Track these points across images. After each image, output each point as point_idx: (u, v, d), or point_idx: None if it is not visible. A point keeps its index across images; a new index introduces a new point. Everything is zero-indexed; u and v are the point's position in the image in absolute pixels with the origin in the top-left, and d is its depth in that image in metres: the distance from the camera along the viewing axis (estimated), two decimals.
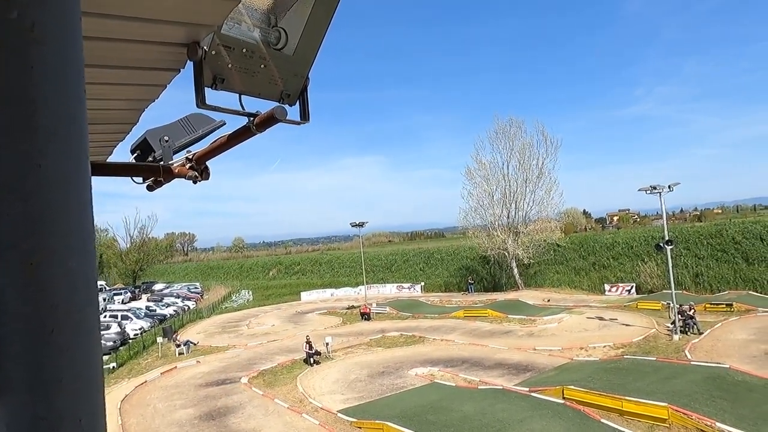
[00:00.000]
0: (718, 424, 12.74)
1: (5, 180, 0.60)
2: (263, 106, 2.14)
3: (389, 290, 51.56)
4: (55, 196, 0.62)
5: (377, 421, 14.95)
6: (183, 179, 2.73)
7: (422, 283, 51.03)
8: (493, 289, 46.11)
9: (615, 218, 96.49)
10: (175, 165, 2.73)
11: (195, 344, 30.45)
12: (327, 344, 25.16)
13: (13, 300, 0.59)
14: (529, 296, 39.40)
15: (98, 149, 3.25)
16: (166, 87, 2.23)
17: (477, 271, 49.17)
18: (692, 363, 18.54)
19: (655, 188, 25.24)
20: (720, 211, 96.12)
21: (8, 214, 0.60)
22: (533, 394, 16.16)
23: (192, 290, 62.57)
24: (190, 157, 2.70)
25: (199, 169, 2.67)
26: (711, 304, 28.87)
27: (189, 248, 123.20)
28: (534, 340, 25.42)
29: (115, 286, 67.43)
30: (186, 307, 49.71)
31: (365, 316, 36.32)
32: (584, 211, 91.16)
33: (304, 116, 2.19)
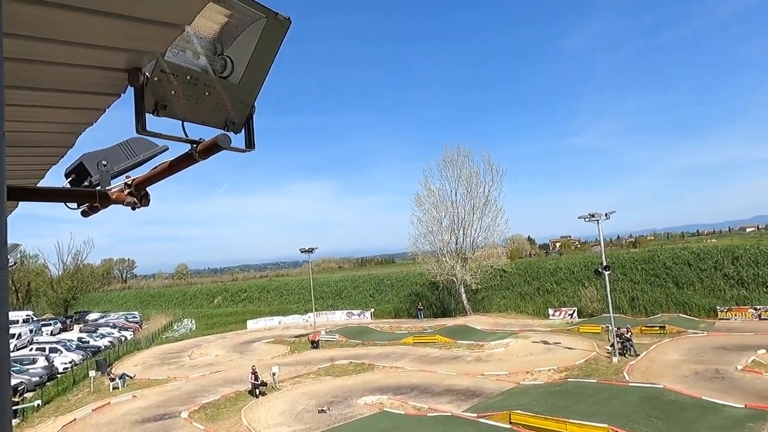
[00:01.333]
0: None
1: None
2: (207, 133, 2.12)
3: (339, 317, 50.95)
4: None
5: None
6: (121, 205, 2.64)
7: (372, 310, 50.78)
8: (442, 314, 46.50)
9: (557, 244, 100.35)
10: (112, 190, 2.63)
11: (131, 377, 28.73)
12: (273, 374, 24.41)
13: None
14: (477, 321, 39.97)
15: (29, 172, 3.10)
16: (105, 111, 2.17)
17: (426, 296, 49.52)
18: (630, 384, 19.29)
19: (593, 216, 26.52)
20: (652, 238, 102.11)
21: None
22: (481, 419, 16.26)
23: (130, 319, 59.24)
24: (129, 182, 2.61)
25: (138, 195, 2.59)
26: (646, 326, 30.33)
27: (128, 275, 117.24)
28: (482, 365, 25.70)
29: (44, 317, 62.90)
30: (123, 338, 46.95)
31: (314, 344, 35.60)
32: (529, 237, 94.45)
33: (250, 144, 2.19)
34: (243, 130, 2.19)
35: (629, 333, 25.35)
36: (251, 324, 51.20)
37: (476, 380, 22.81)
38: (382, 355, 30.26)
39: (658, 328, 29.68)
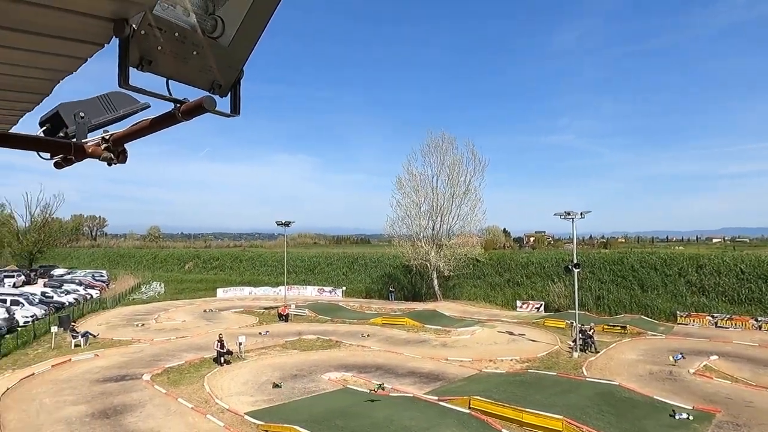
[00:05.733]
0: None
1: None
2: (192, 94, 2.07)
3: (310, 292, 51.09)
4: None
5: (285, 425, 14.70)
6: (97, 160, 2.57)
7: (344, 288, 51.01)
8: (412, 298, 47.02)
9: (531, 239, 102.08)
10: (89, 144, 2.56)
11: (94, 336, 28.38)
12: (240, 344, 24.42)
13: None
14: (446, 307, 40.56)
15: (2, 117, 2.98)
16: (86, 60, 2.10)
17: (399, 279, 49.92)
18: (587, 379, 19.94)
19: (569, 214, 26.97)
20: (623, 240, 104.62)
21: None
22: (441, 403, 16.61)
23: (97, 278, 58.35)
24: (107, 137, 2.54)
25: (115, 151, 2.52)
26: (608, 325, 31.23)
27: (98, 233, 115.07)
28: (447, 351, 26.17)
29: (7, 268, 61.39)
30: (88, 296, 46.24)
31: (283, 317, 35.68)
32: (504, 229, 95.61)
33: (235, 109, 2.14)
34: (229, 94, 2.14)
35: (592, 330, 26.07)
36: (221, 292, 50.97)
37: (440, 364, 23.23)
38: (349, 333, 30.52)
39: (619, 328, 30.61)
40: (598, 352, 24.88)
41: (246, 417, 15.95)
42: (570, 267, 26.83)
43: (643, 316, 35.13)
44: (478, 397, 16.57)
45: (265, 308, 40.66)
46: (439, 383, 20.19)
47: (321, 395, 18.41)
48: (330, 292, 50.88)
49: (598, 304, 38.89)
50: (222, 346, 23.03)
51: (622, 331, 30.13)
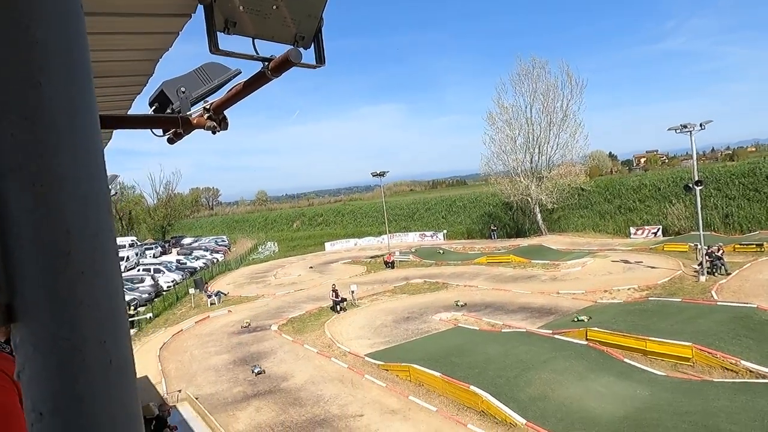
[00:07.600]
0: (743, 362, 12.79)
1: (6, 98, 0.56)
2: (278, 51, 2.09)
3: (412, 239, 52.04)
4: (60, 116, 0.59)
5: (403, 364, 15.47)
6: (202, 130, 2.73)
7: (445, 231, 51.27)
8: (516, 235, 46.08)
9: (642, 160, 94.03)
10: (193, 116, 2.72)
11: (225, 294, 31.57)
12: (352, 292, 25.78)
13: (25, 223, 0.57)
14: (553, 241, 39.29)
15: (118, 103, 3.26)
16: (178, 35, 2.19)
17: (500, 217, 49.02)
18: (718, 303, 18.43)
19: (685, 127, 24.32)
20: (754, 149, 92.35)
21: (12, 134, 0.56)
22: (556, 336, 16.40)
23: (219, 243, 64.17)
24: (208, 107, 2.68)
25: (217, 119, 2.66)
26: (740, 244, 28.33)
27: (214, 203, 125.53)
28: (557, 284, 25.55)
29: (146, 241, 69.51)
30: (215, 260, 51.18)
31: (389, 264, 36.86)
32: (610, 153, 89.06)
33: (320, 59, 2.13)
34: (312, 44, 2.13)
35: (721, 251, 23.84)
36: (329, 246, 53.67)
37: (551, 299, 22.81)
38: (455, 275, 30.84)
39: (754, 246, 27.63)
40: (730, 273, 22.80)
41: (366, 358, 17.02)
42: (690, 185, 24.46)
43: None
44: (596, 329, 16.11)
45: (371, 257, 42.22)
46: (552, 317, 19.89)
47: (434, 335, 19.03)
48: (431, 236, 51.42)
49: (726, 222, 35.34)
50: (336, 295, 24.50)
51: (758, 250, 27.18)
